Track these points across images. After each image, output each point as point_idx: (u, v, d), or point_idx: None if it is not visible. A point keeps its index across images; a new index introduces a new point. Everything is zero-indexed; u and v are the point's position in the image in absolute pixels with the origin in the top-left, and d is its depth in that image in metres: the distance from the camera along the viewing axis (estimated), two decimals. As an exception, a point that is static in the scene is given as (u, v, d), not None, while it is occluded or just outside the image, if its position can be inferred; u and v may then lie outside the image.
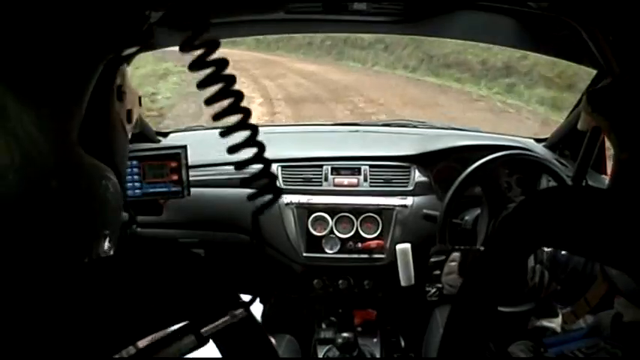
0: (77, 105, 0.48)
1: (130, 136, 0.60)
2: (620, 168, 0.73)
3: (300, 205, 1.43)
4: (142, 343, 0.48)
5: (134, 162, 1.20)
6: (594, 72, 1.28)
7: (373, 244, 1.40)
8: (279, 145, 1.60)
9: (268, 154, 0.47)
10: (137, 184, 1.20)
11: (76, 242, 0.47)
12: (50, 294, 0.42)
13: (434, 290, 1.54)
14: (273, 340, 0.52)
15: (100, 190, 0.51)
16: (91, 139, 0.48)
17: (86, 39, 0.52)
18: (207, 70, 0.42)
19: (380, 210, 1.43)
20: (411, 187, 1.46)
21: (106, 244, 0.57)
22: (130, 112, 0.59)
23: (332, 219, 1.42)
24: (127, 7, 0.57)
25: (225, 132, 0.44)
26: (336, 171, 1.50)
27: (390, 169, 1.50)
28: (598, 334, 0.67)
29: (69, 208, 0.46)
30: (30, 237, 0.44)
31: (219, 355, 0.47)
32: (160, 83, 7.42)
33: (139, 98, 0.64)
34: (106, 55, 0.54)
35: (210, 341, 0.47)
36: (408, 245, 1.06)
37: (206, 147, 1.63)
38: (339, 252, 1.41)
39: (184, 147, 1.23)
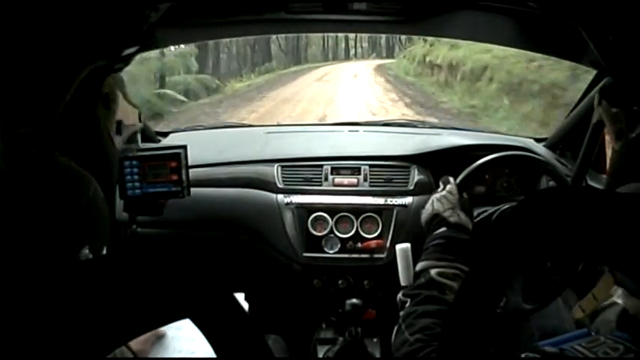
0: (53, 109, 0.46)
1: (118, 147, 0.58)
2: (617, 157, 0.74)
3: (299, 205, 1.43)
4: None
5: (134, 162, 1.19)
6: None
7: (373, 243, 1.40)
8: (279, 145, 1.59)
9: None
10: (137, 184, 1.20)
11: (50, 247, 0.46)
12: (35, 295, 0.42)
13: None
14: None
15: (78, 195, 0.49)
16: (71, 145, 0.47)
17: (71, 43, 0.51)
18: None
19: (380, 210, 1.43)
20: (411, 187, 1.46)
21: (86, 251, 0.56)
22: (119, 124, 0.57)
23: (332, 219, 1.42)
24: (125, 9, 0.56)
25: None
26: (335, 171, 1.50)
27: (390, 169, 1.50)
28: (599, 332, 0.66)
29: (38, 211, 0.46)
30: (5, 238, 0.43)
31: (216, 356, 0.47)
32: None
33: (139, 114, 0.63)
34: (93, 61, 0.53)
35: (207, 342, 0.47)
36: (408, 245, 1.05)
37: (206, 147, 1.63)
38: (339, 252, 1.41)
39: (184, 147, 1.23)
